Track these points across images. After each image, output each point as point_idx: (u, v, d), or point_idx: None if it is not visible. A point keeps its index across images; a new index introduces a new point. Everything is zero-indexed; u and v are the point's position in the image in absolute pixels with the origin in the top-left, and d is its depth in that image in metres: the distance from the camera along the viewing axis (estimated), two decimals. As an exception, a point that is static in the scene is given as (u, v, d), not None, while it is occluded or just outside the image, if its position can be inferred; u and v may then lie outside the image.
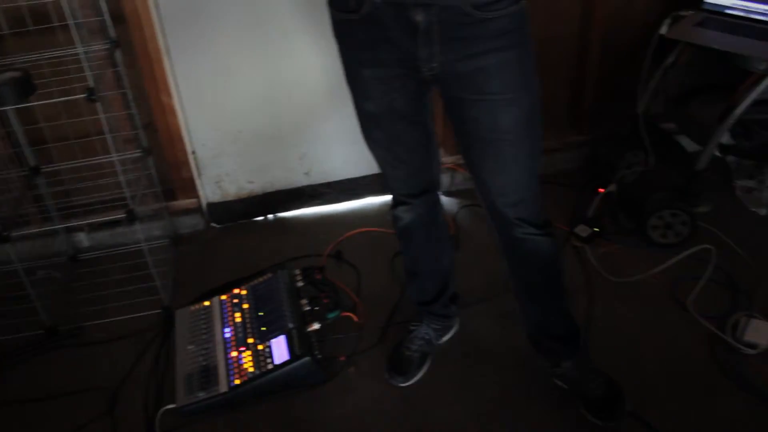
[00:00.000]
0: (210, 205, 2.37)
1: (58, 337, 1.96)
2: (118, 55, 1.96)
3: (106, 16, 1.87)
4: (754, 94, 1.93)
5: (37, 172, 2.06)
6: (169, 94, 2.10)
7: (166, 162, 2.24)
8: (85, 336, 1.99)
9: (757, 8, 2.01)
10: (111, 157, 1.80)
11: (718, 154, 2.14)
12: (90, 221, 2.12)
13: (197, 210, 2.36)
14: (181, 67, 2.10)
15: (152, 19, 1.97)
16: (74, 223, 2.13)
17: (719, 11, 2.07)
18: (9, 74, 1.63)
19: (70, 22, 1.55)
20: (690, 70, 2.17)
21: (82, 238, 2.29)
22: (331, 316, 1.86)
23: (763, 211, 2.27)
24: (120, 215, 1.88)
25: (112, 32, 1.91)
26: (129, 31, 1.97)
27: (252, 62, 2.14)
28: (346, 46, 1.33)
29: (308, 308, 1.86)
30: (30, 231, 2.01)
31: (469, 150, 1.38)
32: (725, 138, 2.09)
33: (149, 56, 2.02)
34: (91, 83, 1.64)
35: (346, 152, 2.34)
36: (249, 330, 1.83)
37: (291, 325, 1.79)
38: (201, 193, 2.33)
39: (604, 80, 2.40)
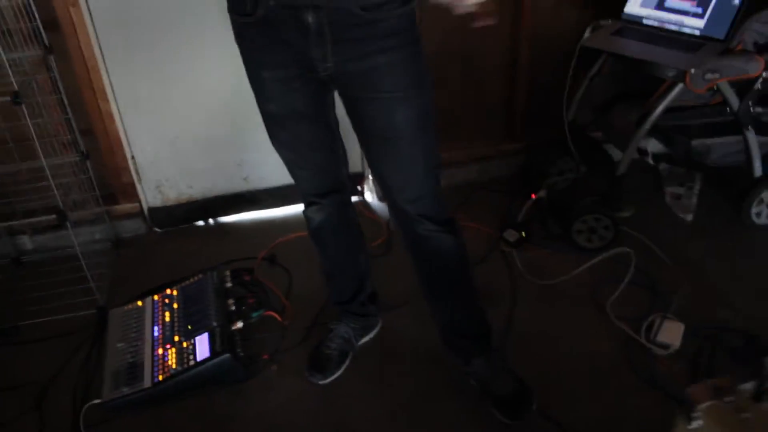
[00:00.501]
0: (151, 209, 2.42)
1: (-8, 335, 2.00)
2: (52, 60, 2.01)
3: (38, 23, 1.92)
4: (666, 101, 2.02)
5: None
6: (106, 100, 2.16)
7: (106, 167, 2.29)
8: (20, 335, 2.03)
9: (669, 18, 2.09)
10: (41, 162, 1.84)
11: (651, 161, 2.22)
12: (25, 221, 2.16)
13: (139, 214, 2.41)
14: (117, 73, 2.15)
15: (86, 26, 2.03)
16: (13, 223, 2.18)
17: (636, 21, 2.16)
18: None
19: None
20: (613, 79, 2.25)
21: (26, 241, 2.33)
22: (255, 315, 1.91)
23: (689, 217, 2.34)
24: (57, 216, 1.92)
25: (45, 38, 1.97)
26: (63, 38, 2.03)
27: (188, 68, 2.19)
28: (246, 49, 1.39)
29: (234, 308, 1.91)
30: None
31: (369, 148, 1.44)
32: (654, 146, 2.17)
33: (85, 63, 2.08)
34: (15, 87, 1.69)
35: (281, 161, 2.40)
36: (176, 328, 1.88)
37: (215, 324, 1.84)
38: (142, 197, 2.38)
39: (536, 89, 2.48)
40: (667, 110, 2.06)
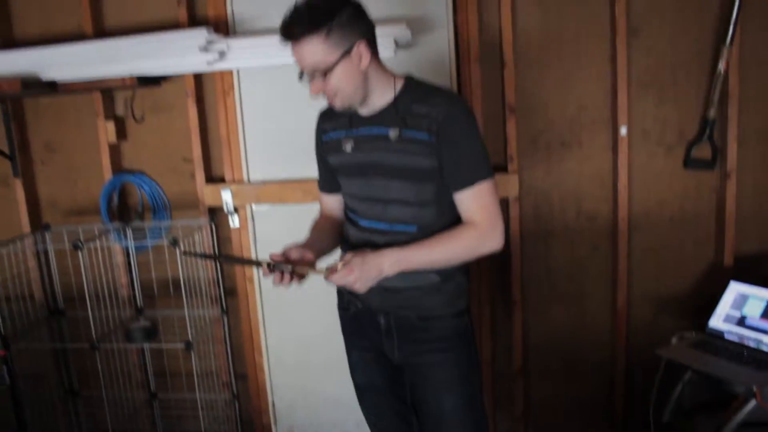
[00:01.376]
0: (280, 450, 2.84)
1: None
2: (226, 319, 2.68)
3: (221, 291, 2.64)
4: (739, 416, 2.05)
5: (155, 397, 2.74)
6: (261, 355, 2.74)
7: (251, 408, 2.81)
8: None
9: (749, 335, 2.20)
10: (196, 395, 2.41)
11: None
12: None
13: (270, 452, 2.84)
14: (272, 334, 2.75)
15: (255, 297, 2.70)
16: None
17: (719, 335, 2.28)
18: (142, 322, 2.39)
19: (184, 293, 2.31)
20: (699, 388, 2.31)
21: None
22: None
23: None
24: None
25: (224, 303, 2.67)
26: (237, 303, 2.72)
27: (329, 335, 2.72)
28: (344, 333, 1.88)
29: None
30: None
31: (424, 427, 1.78)
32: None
33: (250, 323, 2.72)
34: (189, 338, 2.34)
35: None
36: None
37: None
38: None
39: (634, 391, 2.60)
40: (752, 425, 2.08)
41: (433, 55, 2.46)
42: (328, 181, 1.82)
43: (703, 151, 2.49)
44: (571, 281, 2.62)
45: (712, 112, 2.43)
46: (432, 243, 1.60)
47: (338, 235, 1.82)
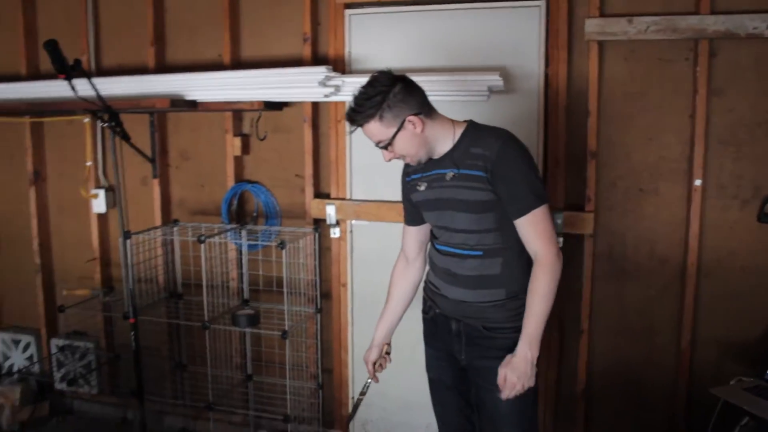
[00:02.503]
0: (355, 441, 3.15)
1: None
2: (318, 318, 3.04)
3: (318, 293, 2.99)
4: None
5: (250, 379, 3.13)
6: (347, 352, 3.08)
7: (333, 398, 3.14)
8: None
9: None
10: (286, 381, 2.77)
11: None
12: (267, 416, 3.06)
13: (346, 442, 3.15)
14: (358, 337, 3.08)
15: (347, 301, 3.04)
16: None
17: (775, 385, 2.41)
18: (246, 310, 2.78)
19: (285, 290, 2.68)
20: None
21: (264, 433, 3.23)
22: None
23: None
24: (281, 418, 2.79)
25: (319, 302, 3.02)
26: (330, 304, 3.07)
27: (409, 345, 3.01)
28: (424, 334, 2.21)
29: None
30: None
31: (482, 425, 2.08)
32: None
33: (340, 324, 3.06)
34: (286, 327, 2.70)
35: None
36: None
37: None
38: (351, 430, 3.14)
39: (690, 425, 2.74)
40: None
41: (525, 101, 2.73)
42: (411, 215, 2.16)
43: (778, 207, 2.62)
44: (640, 316, 2.79)
45: (787, 170, 2.57)
46: (531, 309, 1.91)
47: (412, 293, 2.25)
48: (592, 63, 2.68)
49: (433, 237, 2.15)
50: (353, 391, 3.11)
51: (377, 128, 1.88)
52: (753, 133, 2.62)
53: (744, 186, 2.65)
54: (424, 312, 2.20)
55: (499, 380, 1.91)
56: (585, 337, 2.81)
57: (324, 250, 3.08)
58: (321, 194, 3.07)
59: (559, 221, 2.67)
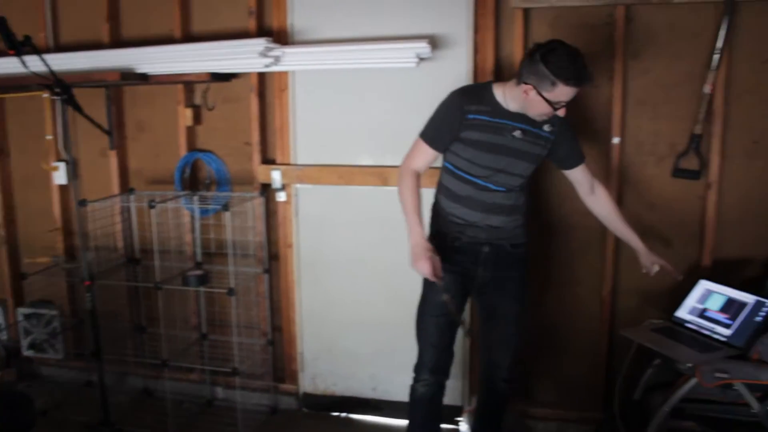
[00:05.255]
0: (305, 394, 3.33)
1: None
2: (266, 278, 3.21)
3: (266, 254, 3.16)
4: (681, 392, 2.37)
5: (205, 338, 3.30)
6: (294, 310, 3.25)
7: (283, 355, 3.32)
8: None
9: (706, 325, 2.51)
10: (231, 338, 2.94)
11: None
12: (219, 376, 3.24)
13: (295, 395, 3.33)
14: (305, 295, 3.25)
15: (293, 262, 3.21)
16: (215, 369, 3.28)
17: (681, 324, 2.59)
18: (197, 271, 2.95)
19: (229, 251, 2.85)
20: (664, 369, 2.62)
21: (219, 391, 3.39)
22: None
23: None
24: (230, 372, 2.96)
25: (266, 263, 3.19)
26: (278, 266, 3.23)
27: (351, 299, 3.19)
28: (444, 261, 2.33)
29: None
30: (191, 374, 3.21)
31: (490, 330, 2.55)
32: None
33: (288, 284, 3.23)
34: (232, 285, 2.86)
35: (406, 381, 3.11)
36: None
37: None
38: (301, 383, 3.32)
39: (612, 372, 2.93)
40: (700, 401, 2.41)
41: (454, 68, 2.90)
42: (442, 143, 2.40)
43: (692, 163, 2.80)
44: (565, 269, 2.98)
45: (698, 128, 2.75)
46: (625, 221, 2.61)
47: None
48: (518, 30, 2.84)
49: (468, 175, 2.39)
50: (302, 346, 3.29)
51: None
52: (668, 94, 2.80)
53: (660, 143, 2.84)
54: (449, 242, 2.43)
55: (654, 261, 2.50)
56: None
57: (271, 213, 3.24)
58: (268, 160, 3.23)
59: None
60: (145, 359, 3.32)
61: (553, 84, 2.15)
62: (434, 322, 2.45)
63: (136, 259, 3.36)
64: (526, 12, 2.83)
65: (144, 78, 3.12)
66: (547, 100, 2.19)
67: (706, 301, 2.58)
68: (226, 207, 2.88)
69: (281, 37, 3.07)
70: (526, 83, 2.20)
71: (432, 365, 2.48)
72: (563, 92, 2.17)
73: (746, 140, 2.76)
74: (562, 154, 2.48)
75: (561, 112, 2.24)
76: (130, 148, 3.48)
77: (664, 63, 2.78)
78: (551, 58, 2.14)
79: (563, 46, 2.17)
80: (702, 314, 2.56)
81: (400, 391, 3.08)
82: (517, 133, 2.34)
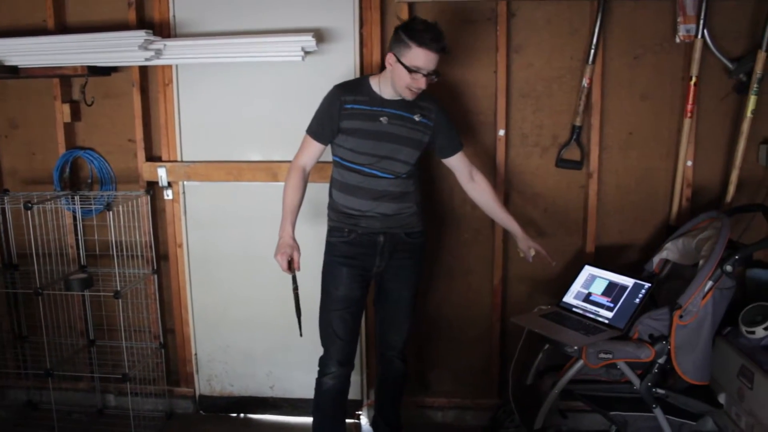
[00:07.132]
0: (201, 396, 3.25)
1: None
2: (155, 279, 3.10)
3: (154, 254, 3.05)
4: (571, 373, 2.47)
5: (93, 343, 3.15)
6: (187, 311, 3.16)
7: (177, 358, 3.22)
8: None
9: (590, 308, 2.62)
10: (129, 343, 2.82)
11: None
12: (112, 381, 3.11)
13: (191, 398, 3.24)
14: (197, 295, 3.16)
15: (184, 261, 3.11)
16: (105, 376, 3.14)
17: (568, 309, 2.70)
18: (80, 275, 2.80)
19: (114, 252, 2.73)
20: (553, 353, 2.71)
21: (111, 399, 3.25)
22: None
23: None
24: (120, 377, 2.85)
25: (154, 264, 3.08)
26: (169, 266, 3.13)
27: (247, 300, 3.13)
28: (336, 256, 2.50)
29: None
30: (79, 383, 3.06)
31: (384, 315, 2.65)
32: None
33: (179, 284, 3.13)
34: (118, 288, 2.75)
35: (303, 378, 3.08)
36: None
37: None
38: (196, 385, 3.23)
39: (507, 357, 3.02)
40: (587, 382, 2.52)
41: (341, 61, 2.88)
42: (326, 135, 2.46)
43: (574, 154, 2.91)
44: (456, 259, 3.04)
45: (579, 120, 2.86)
46: (506, 210, 2.74)
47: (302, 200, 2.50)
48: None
49: (354, 164, 2.45)
50: (195, 348, 3.20)
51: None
52: (550, 87, 2.89)
53: (543, 135, 2.93)
54: (342, 237, 2.49)
55: (531, 246, 2.64)
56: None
57: (159, 212, 3.12)
58: (153, 158, 3.10)
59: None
60: (27, 370, 3.13)
61: (408, 47, 2.27)
62: (338, 315, 2.50)
63: (14, 264, 3.16)
64: (411, 6, 2.85)
65: (14, 71, 2.92)
66: (405, 66, 2.28)
67: (590, 286, 2.69)
68: (109, 206, 2.75)
69: (163, 29, 2.95)
70: (389, 54, 2.34)
71: (340, 357, 2.53)
72: (418, 55, 2.27)
73: (622, 132, 2.90)
74: (441, 142, 2.56)
75: (421, 83, 2.32)
76: (2, 146, 3.26)
77: (546, 57, 2.87)
78: (409, 25, 2.33)
79: (422, 19, 2.42)
80: (587, 298, 2.66)
81: (298, 389, 3.10)
82: (384, 119, 2.41)
